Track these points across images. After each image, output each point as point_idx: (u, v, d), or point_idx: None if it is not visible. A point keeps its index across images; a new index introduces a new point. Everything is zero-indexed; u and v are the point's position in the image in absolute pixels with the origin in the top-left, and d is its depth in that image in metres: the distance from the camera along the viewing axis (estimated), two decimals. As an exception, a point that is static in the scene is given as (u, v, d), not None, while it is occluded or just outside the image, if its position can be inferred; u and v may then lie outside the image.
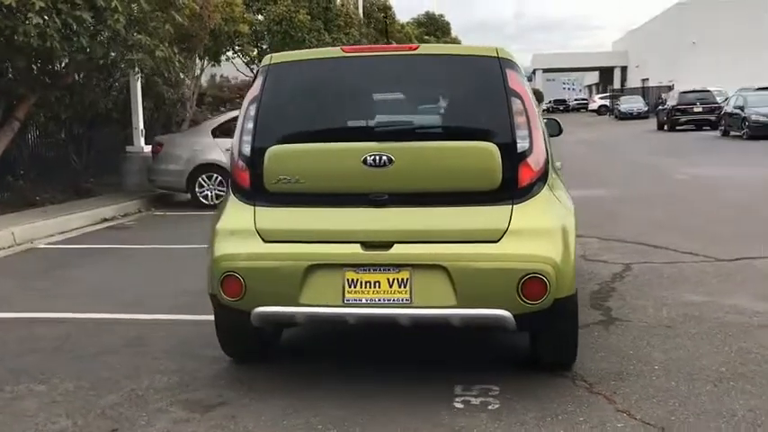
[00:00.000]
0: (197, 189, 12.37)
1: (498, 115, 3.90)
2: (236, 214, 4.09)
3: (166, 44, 11.71)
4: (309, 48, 21.80)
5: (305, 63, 4.17)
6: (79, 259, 8.37)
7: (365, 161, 3.87)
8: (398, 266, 3.81)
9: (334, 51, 4.16)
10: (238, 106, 17.53)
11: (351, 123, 4.16)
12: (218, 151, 12.21)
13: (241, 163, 4.11)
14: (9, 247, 9.07)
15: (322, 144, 4.02)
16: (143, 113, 14.61)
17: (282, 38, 21.32)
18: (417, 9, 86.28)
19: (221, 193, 12.25)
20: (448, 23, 49.99)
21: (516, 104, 3.89)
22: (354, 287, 3.83)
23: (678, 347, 4.69)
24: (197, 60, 15.16)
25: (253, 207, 4.05)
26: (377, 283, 3.82)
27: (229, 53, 17.87)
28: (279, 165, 3.99)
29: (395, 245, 3.82)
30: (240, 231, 4.01)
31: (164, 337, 5.21)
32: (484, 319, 3.81)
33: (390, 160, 3.85)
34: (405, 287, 3.80)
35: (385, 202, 3.91)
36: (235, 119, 13.34)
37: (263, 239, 3.96)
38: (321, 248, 3.87)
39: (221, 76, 22.13)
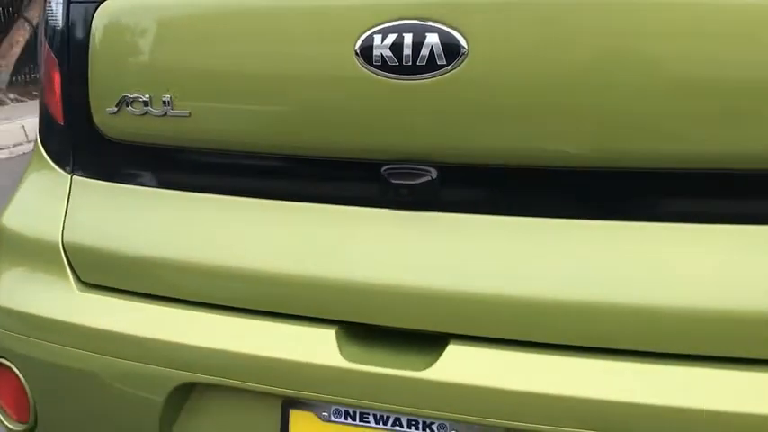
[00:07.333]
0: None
1: None
2: (32, 195, 1.48)
3: None
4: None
5: None
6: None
7: (366, 53, 1.11)
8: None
9: None
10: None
11: None
12: None
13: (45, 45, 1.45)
14: None
15: None
16: None
17: None
18: None
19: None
20: None
21: None
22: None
23: None
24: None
25: (68, 177, 1.43)
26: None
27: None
28: (120, 51, 1.32)
29: (450, 342, 1.13)
30: (30, 244, 1.43)
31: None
32: None
33: (456, 49, 1.16)
34: None
35: (426, 201, 1.18)
36: None
37: (77, 277, 1.37)
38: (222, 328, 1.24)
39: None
